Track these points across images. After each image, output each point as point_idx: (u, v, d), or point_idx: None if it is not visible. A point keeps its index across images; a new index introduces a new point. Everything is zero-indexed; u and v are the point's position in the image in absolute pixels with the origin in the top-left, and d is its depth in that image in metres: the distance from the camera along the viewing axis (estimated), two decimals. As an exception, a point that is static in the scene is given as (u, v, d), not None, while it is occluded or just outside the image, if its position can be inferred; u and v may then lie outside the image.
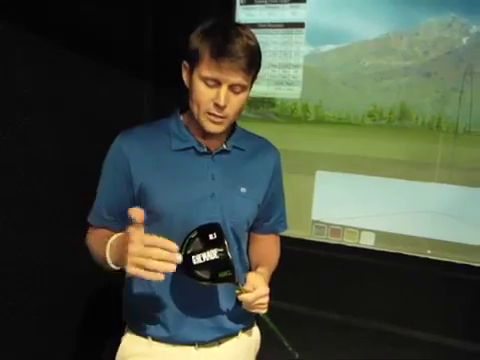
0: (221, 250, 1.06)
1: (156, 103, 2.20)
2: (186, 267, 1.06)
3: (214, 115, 1.13)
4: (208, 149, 1.23)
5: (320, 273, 2.09)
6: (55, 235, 1.78)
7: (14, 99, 1.59)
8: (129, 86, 2.12)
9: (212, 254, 1.05)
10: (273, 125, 2.21)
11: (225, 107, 1.11)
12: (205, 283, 1.08)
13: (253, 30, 2.13)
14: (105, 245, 1.07)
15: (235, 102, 1.13)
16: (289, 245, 2.06)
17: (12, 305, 1.65)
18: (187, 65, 1.16)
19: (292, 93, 2.17)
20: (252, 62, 1.11)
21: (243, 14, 2.21)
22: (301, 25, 2.11)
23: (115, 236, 1.08)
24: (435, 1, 1.89)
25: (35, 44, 1.62)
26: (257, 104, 2.23)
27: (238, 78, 1.10)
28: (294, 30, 2.12)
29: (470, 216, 1.91)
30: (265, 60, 2.21)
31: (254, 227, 1.36)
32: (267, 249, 1.42)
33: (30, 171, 1.68)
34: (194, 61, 1.12)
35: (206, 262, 1.05)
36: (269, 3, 2.15)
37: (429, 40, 1.93)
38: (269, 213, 1.38)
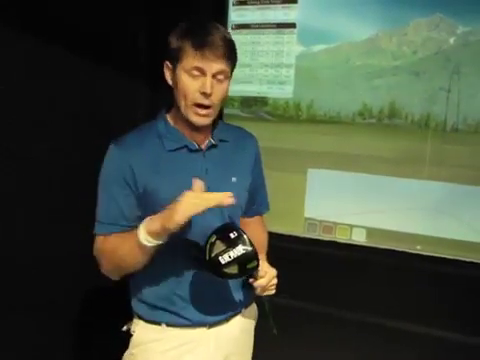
0: (246, 244, 1.14)
1: (151, 101, 2.22)
2: (214, 268, 1.14)
3: (201, 106, 1.20)
4: (199, 146, 1.29)
5: (312, 270, 2.12)
6: (54, 233, 1.79)
7: (11, 99, 1.60)
8: (124, 85, 2.14)
9: (238, 250, 1.13)
10: (265, 124, 2.24)
11: (211, 95, 1.18)
12: (232, 278, 1.17)
13: (245, 30, 2.21)
14: (137, 228, 1.14)
15: (219, 90, 1.21)
16: (282, 242, 2.11)
17: (12, 302, 1.67)
18: (169, 65, 1.23)
19: (284, 92, 2.20)
20: (230, 51, 1.21)
21: (236, 15, 2.24)
22: (293, 25, 2.14)
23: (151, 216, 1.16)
24: (423, 2, 1.93)
25: (33, 44, 1.64)
26: (250, 103, 2.26)
27: (220, 65, 1.18)
28: (286, 30, 2.15)
29: (458, 212, 1.95)
30: (257, 60, 2.26)
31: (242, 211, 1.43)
32: (256, 231, 1.48)
33: (28, 170, 1.69)
34: (176, 58, 1.19)
35: (234, 259, 1.13)
36: (261, 4, 2.18)
37: (418, 40, 1.97)
38: (254, 197, 1.46)
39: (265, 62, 2.21)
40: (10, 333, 1.68)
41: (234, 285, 1.35)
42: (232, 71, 1.26)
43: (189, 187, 1.21)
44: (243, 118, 2.26)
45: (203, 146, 1.30)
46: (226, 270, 1.13)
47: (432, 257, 1.99)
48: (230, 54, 1.20)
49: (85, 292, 2.02)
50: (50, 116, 1.76)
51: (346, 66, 2.09)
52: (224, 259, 1.12)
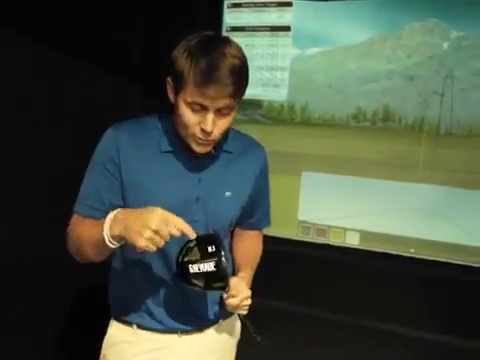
0: (218, 263, 1.09)
1: (145, 104, 2.21)
2: (182, 274, 1.10)
3: (201, 139, 1.12)
4: (196, 153, 1.21)
5: (306, 272, 2.12)
6: (54, 233, 1.77)
7: (11, 99, 1.61)
8: (118, 87, 2.14)
9: (210, 266, 1.08)
10: (260, 126, 2.23)
11: (212, 132, 1.10)
12: (197, 289, 1.12)
13: (240, 33, 2.21)
14: (103, 222, 1.08)
15: (222, 124, 1.11)
16: (276, 245, 2.11)
17: (12, 302, 1.67)
18: (171, 83, 1.13)
19: (278, 95, 2.20)
20: (239, 87, 1.08)
21: (230, 17, 2.24)
22: (287, 28, 2.15)
23: (120, 209, 1.09)
24: (418, 6, 1.94)
25: (32, 45, 1.64)
26: (244, 106, 2.26)
27: (225, 102, 1.07)
28: (281, 33, 2.16)
29: (452, 215, 1.96)
30: (252, 63, 2.25)
31: (238, 222, 1.39)
32: (250, 244, 1.45)
33: (28, 170, 1.69)
34: (179, 83, 1.08)
35: (202, 272, 1.09)
36: (256, 7, 2.18)
37: (412, 44, 1.98)
38: (253, 210, 1.39)
39: (260, 65, 2.21)
40: (10, 333, 1.68)
41: (212, 295, 1.30)
42: (241, 98, 1.14)
43: (177, 192, 1.19)
44: (237, 120, 2.22)
45: (201, 154, 1.21)
46: (193, 280, 1.10)
47: (425, 260, 1.99)
48: (238, 88, 1.08)
49: (86, 292, 2.02)
50: (50, 116, 1.75)
51: (340, 69, 2.10)
52: (193, 269, 1.08)
